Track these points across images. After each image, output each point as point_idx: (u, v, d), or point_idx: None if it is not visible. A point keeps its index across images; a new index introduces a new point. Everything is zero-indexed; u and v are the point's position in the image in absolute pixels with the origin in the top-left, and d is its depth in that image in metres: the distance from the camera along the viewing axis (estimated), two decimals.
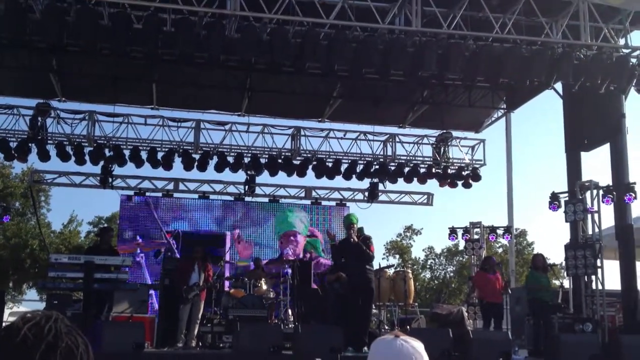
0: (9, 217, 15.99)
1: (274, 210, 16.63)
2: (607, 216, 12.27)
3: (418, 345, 1.90)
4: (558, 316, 11.42)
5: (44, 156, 14.30)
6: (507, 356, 9.51)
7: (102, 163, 14.86)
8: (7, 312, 15.12)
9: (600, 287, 11.55)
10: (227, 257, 13.85)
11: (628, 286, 11.52)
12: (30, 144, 14.16)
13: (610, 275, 12.29)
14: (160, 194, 16.28)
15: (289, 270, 11.52)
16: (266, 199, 16.71)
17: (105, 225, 23.27)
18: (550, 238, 44.50)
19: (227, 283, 12.47)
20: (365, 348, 9.31)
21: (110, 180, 15.49)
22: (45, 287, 11.75)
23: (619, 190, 11.82)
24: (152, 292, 13.22)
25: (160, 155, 14.76)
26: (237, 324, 9.45)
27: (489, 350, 9.44)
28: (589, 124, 12.75)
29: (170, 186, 16.37)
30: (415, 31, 10.52)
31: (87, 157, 14.49)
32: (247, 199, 16.43)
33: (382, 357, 1.91)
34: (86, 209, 44.72)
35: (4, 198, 26.58)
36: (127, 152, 14.65)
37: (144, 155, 14.70)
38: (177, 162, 14.87)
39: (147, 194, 16.15)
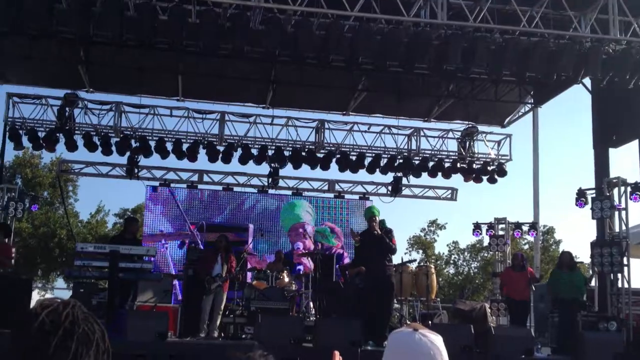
0: (37, 206, 16.26)
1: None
2: (635, 214, 12.15)
3: (437, 340, 1.87)
4: (582, 314, 11.29)
5: (71, 146, 14.48)
6: (529, 353, 9.43)
7: (128, 154, 15.02)
8: (35, 299, 15.37)
9: (626, 285, 11.39)
10: (250, 249, 13.92)
11: None
12: (58, 134, 14.32)
13: (636, 274, 12.13)
14: (184, 185, 16.42)
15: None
16: (289, 192, 16.74)
17: (131, 216, 23.53)
18: (577, 235, 43.84)
19: (249, 275, 12.54)
20: (386, 342, 9.29)
21: (136, 170, 15.66)
22: (72, 276, 11.94)
23: None
24: (175, 282, 13.35)
25: (185, 146, 14.86)
26: (259, 316, 9.50)
27: (511, 347, 9.37)
28: (618, 120, 12.56)
29: (195, 177, 16.48)
30: (440, 24, 10.42)
31: (113, 148, 14.65)
32: (270, 191, 16.48)
33: (399, 350, 1.87)
34: (113, 199, 45.20)
35: (33, 188, 27.05)
36: (152, 143, 14.77)
37: (169, 146, 14.80)
38: (202, 153, 14.98)
39: (172, 185, 16.29)
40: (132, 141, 14.78)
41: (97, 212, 31.97)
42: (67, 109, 14.44)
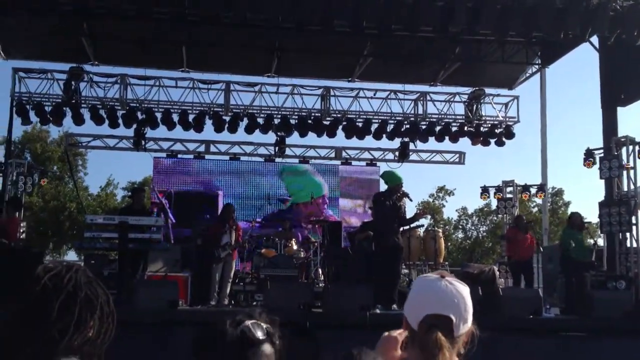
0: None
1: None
2: None
3: (463, 289, 1.84)
4: (591, 274, 11.30)
5: (78, 119, 14.54)
6: (537, 313, 9.48)
7: (134, 126, 15.06)
8: None
9: (635, 244, 11.36)
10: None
11: None
12: (64, 108, 14.36)
13: None
14: (191, 156, 16.47)
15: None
16: (297, 160, 16.76)
17: (137, 186, 23.66)
18: (585, 195, 43.68)
19: None
20: (395, 306, 9.36)
21: (143, 142, 15.71)
22: (82, 247, 12.09)
23: None
24: None
25: (191, 117, 14.86)
26: (268, 283, 9.58)
27: (519, 308, 9.42)
28: (626, 79, 12.40)
29: (202, 148, 16.53)
30: None
31: (120, 120, 14.68)
32: (277, 159, 16.51)
33: (424, 295, 1.85)
34: (121, 172, 45.29)
35: (43, 162, 27.23)
36: (158, 115, 14.77)
37: (175, 117, 14.80)
38: (208, 124, 14.98)
39: (179, 155, 16.35)
40: (138, 113, 14.81)
41: (107, 185, 32.23)
42: (72, 82, 14.44)
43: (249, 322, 1.54)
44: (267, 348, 1.53)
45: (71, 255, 31.68)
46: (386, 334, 1.93)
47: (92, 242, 10.29)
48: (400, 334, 1.91)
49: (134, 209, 11.34)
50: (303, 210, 16.21)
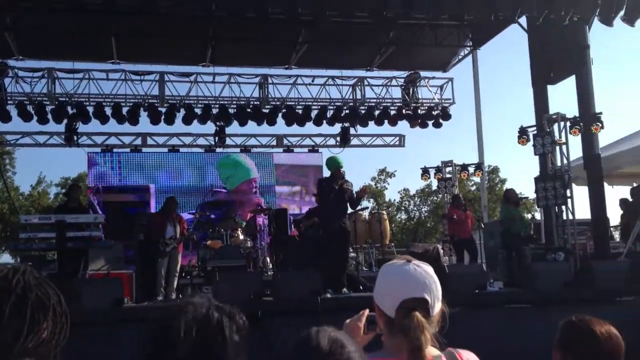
0: None
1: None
2: (575, 147, 12.44)
3: (429, 269, 1.93)
4: (531, 247, 11.65)
5: (4, 117, 13.92)
6: (482, 288, 9.72)
7: (65, 121, 14.51)
8: None
9: (570, 216, 11.77)
10: (153, 210, 13.91)
11: (597, 214, 11.75)
12: None
13: (579, 205, 12.54)
14: (128, 150, 16.01)
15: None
16: (238, 150, 16.57)
17: (73, 183, 22.91)
18: (521, 172, 45.19)
19: None
20: (345, 289, 9.41)
21: (75, 138, 15.16)
22: (17, 249, 11.62)
23: (586, 121, 11.91)
24: None
25: (125, 110, 14.45)
26: (216, 274, 9.45)
27: (465, 284, 9.59)
28: (555, 57, 12.75)
29: (139, 141, 16.10)
30: None
31: (49, 116, 14.14)
32: (218, 150, 16.28)
33: (396, 281, 1.89)
34: (54, 170, 43.92)
35: None
36: (90, 109, 14.28)
37: (108, 111, 14.36)
38: (143, 116, 14.59)
39: (115, 150, 15.87)
40: (69, 108, 14.29)
41: (38, 183, 31.08)
42: None
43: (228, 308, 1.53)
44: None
45: (5, 258, 30.54)
46: (348, 321, 2.00)
47: (27, 243, 9.93)
48: (359, 319, 1.99)
49: (69, 206, 10.97)
50: (235, 198, 16.07)
